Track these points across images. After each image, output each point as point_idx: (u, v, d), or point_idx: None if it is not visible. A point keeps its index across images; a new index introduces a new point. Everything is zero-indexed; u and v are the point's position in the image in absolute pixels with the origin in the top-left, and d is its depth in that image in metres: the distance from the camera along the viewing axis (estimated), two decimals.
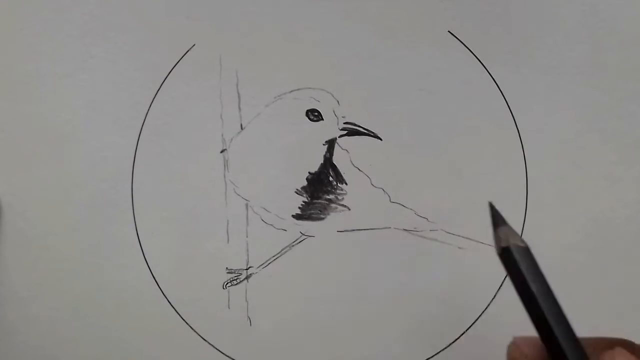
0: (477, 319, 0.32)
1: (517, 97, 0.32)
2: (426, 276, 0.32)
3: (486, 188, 0.32)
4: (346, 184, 0.32)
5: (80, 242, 0.32)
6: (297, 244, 0.32)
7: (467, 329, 0.32)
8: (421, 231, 0.32)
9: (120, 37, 0.31)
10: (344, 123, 0.32)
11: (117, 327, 0.32)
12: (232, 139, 0.32)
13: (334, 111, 0.32)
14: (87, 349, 0.32)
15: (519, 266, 0.21)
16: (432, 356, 0.32)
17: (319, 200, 0.32)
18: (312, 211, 0.32)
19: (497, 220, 0.22)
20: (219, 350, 0.32)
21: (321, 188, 0.32)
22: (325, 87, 0.32)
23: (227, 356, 0.32)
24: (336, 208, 0.32)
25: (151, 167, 0.32)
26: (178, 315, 0.32)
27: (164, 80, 0.32)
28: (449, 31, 0.32)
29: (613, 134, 0.32)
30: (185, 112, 0.32)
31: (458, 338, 0.32)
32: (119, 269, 0.31)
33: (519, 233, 0.32)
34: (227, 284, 0.32)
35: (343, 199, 0.32)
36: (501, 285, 0.31)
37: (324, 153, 0.32)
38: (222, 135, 0.32)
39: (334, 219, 0.32)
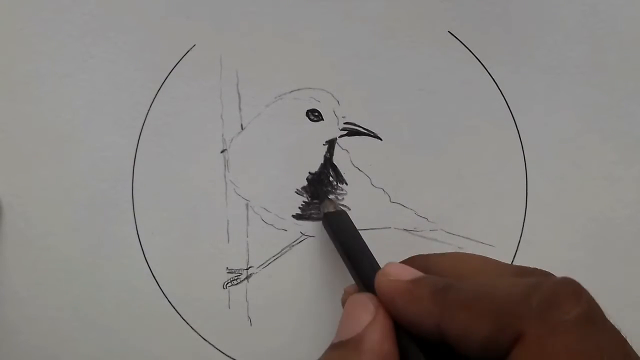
0: None
1: (517, 97, 0.32)
2: None
3: (486, 188, 0.32)
4: (346, 184, 0.32)
5: (81, 242, 0.32)
6: (297, 244, 0.32)
7: None
8: (421, 231, 0.32)
9: (120, 37, 0.31)
10: (344, 123, 0.32)
11: (117, 327, 0.32)
12: (232, 139, 0.32)
13: (334, 111, 0.32)
14: (87, 348, 0.32)
15: (331, 222, 0.29)
16: None
17: (319, 201, 0.32)
18: (313, 211, 0.32)
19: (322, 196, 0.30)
20: (219, 350, 0.32)
21: (321, 188, 0.32)
22: (325, 87, 0.32)
23: (227, 356, 0.32)
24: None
25: (151, 167, 0.32)
26: (178, 315, 0.32)
27: (165, 81, 0.32)
28: (449, 31, 0.32)
29: (613, 134, 0.32)
30: (186, 112, 0.32)
31: None
32: (119, 269, 0.31)
33: (518, 232, 0.32)
34: (227, 284, 0.32)
35: (343, 199, 0.32)
36: None
37: (324, 153, 0.32)
38: (223, 136, 0.32)
39: None
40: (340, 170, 0.32)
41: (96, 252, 0.31)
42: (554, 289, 0.18)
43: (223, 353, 0.32)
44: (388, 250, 0.31)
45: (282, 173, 0.32)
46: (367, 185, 0.32)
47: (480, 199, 0.32)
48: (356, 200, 0.32)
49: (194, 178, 0.32)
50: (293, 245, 0.32)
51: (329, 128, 0.32)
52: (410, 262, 0.24)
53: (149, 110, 0.32)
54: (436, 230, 0.32)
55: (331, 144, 0.32)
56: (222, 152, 0.32)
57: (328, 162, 0.32)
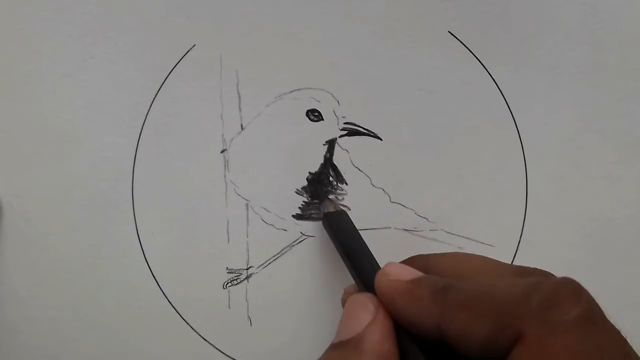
0: None
1: (517, 97, 0.32)
2: None
3: (486, 188, 0.32)
4: (346, 184, 0.32)
5: (81, 242, 0.31)
6: (297, 244, 0.32)
7: None
8: (421, 231, 0.32)
9: (120, 37, 0.31)
10: (344, 123, 0.32)
11: (117, 327, 0.32)
12: (232, 139, 0.32)
13: (334, 111, 0.32)
14: (87, 348, 0.32)
15: (331, 222, 0.29)
16: None
17: (319, 201, 0.32)
18: (313, 211, 0.32)
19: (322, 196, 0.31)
20: (219, 350, 0.32)
21: (321, 188, 0.32)
22: (325, 87, 0.32)
23: (228, 356, 0.32)
24: None
25: (151, 167, 0.32)
26: (178, 315, 0.32)
27: (165, 81, 0.32)
28: (449, 31, 0.32)
29: (613, 134, 0.32)
30: (186, 112, 0.32)
31: None
32: (119, 269, 0.31)
33: (518, 232, 0.32)
34: (227, 283, 0.32)
35: (343, 199, 0.32)
36: None
37: (324, 153, 0.32)
38: (223, 136, 0.32)
39: None
40: (340, 170, 0.32)
41: (96, 252, 0.31)
42: (554, 289, 0.18)
43: (223, 353, 0.32)
44: (388, 250, 0.31)
45: (282, 173, 0.32)
46: (367, 185, 0.32)
47: (480, 199, 0.32)
48: (356, 200, 0.32)
49: (194, 178, 0.32)
50: (293, 245, 0.32)
51: (329, 128, 0.32)
52: (410, 262, 0.24)
53: (149, 110, 0.32)
54: (436, 230, 0.32)
55: (331, 144, 0.32)
56: (222, 152, 0.32)
57: (328, 162, 0.32)
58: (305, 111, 0.32)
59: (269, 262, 0.32)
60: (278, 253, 0.32)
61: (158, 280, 0.32)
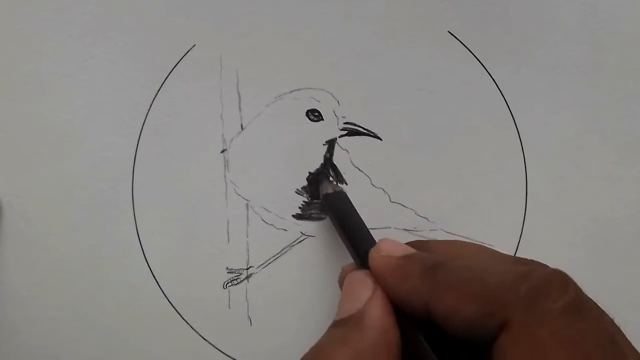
0: None
1: (517, 97, 0.32)
2: None
3: (486, 188, 0.32)
4: (346, 184, 0.32)
5: (81, 242, 0.31)
6: (298, 244, 0.32)
7: None
8: (421, 231, 0.32)
9: (120, 37, 0.31)
10: (344, 123, 0.32)
11: (117, 327, 0.32)
12: (232, 139, 0.32)
13: (334, 111, 0.32)
14: (87, 348, 0.32)
15: (330, 202, 0.29)
16: None
17: (319, 200, 0.32)
18: (313, 211, 0.32)
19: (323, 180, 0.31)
20: (219, 350, 0.32)
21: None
22: (325, 87, 0.32)
23: (228, 356, 0.32)
24: None
25: (151, 167, 0.32)
26: (178, 315, 0.32)
27: (165, 81, 0.32)
28: (449, 31, 0.32)
29: (613, 134, 0.32)
30: (186, 112, 0.32)
31: None
32: (119, 268, 0.31)
33: (518, 232, 0.32)
34: (227, 283, 0.32)
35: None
36: None
37: (324, 153, 0.32)
38: (223, 136, 0.32)
39: None
40: (340, 170, 0.32)
41: (96, 252, 0.31)
42: (543, 279, 0.18)
43: (223, 353, 0.32)
44: None
45: (282, 173, 0.32)
46: (367, 185, 0.32)
47: (480, 199, 0.32)
48: (356, 200, 0.32)
49: (194, 178, 0.32)
50: (293, 245, 0.32)
51: (329, 128, 0.32)
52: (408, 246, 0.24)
53: (149, 110, 0.32)
54: (436, 230, 0.32)
55: (331, 144, 0.32)
56: (222, 152, 0.32)
57: (328, 162, 0.32)
58: (305, 111, 0.32)
59: (269, 262, 0.32)
60: (278, 253, 0.32)
61: (158, 280, 0.32)
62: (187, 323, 0.32)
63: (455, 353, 0.19)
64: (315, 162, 0.32)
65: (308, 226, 0.32)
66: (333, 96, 0.32)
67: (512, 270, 0.19)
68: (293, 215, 0.32)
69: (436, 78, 0.32)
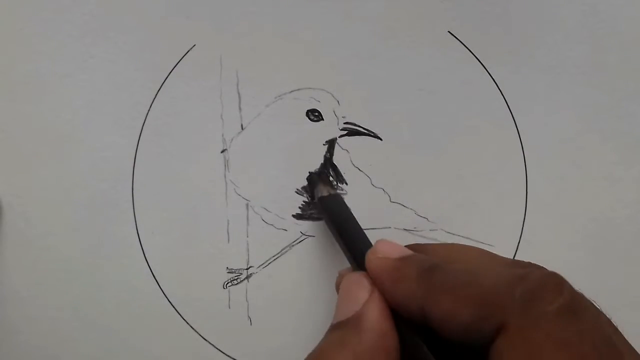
0: None
1: (517, 97, 0.32)
2: None
3: (486, 188, 0.32)
4: (346, 184, 0.32)
5: (80, 242, 0.32)
6: (298, 243, 0.32)
7: None
8: (421, 231, 0.32)
9: (120, 37, 0.31)
10: (344, 123, 0.32)
11: (117, 327, 0.32)
12: (232, 139, 0.32)
13: (334, 111, 0.32)
14: (87, 348, 0.32)
15: (326, 205, 0.29)
16: None
17: None
18: (313, 211, 0.32)
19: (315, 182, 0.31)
20: (219, 350, 0.32)
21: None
22: (325, 87, 0.32)
23: (228, 356, 0.32)
24: None
25: (151, 167, 0.32)
26: (178, 315, 0.32)
27: (165, 81, 0.32)
28: (449, 31, 0.32)
29: (613, 134, 0.32)
30: (186, 112, 0.32)
31: None
32: (119, 269, 0.32)
33: (518, 232, 0.32)
34: (227, 283, 0.32)
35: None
36: None
37: (324, 153, 0.32)
38: (223, 136, 0.32)
39: None
40: (340, 170, 0.32)
41: (96, 252, 0.31)
42: (538, 281, 0.18)
43: (223, 353, 0.32)
44: None
45: (282, 173, 0.32)
46: (367, 185, 0.32)
47: (480, 199, 0.32)
48: (356, 200, 0.32)
49: (194, 178, 0.32)
50: (293, 245, 0.32)
51: (329, 128, 0.32)
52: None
53: (149, 110, 0.32)
54: (436, 230, 0.32)
55: (331, 144, 0.32)
56: (222, 152, 0.32)
57: (328, 162, 0.32)
58: (305, 111, 0.32)
59: (269, 262, 0.32)
60: (278, 253, 0.32)
61: (158, 280, 0.32)
62: (187, 323, 0.32)
63: (452, 356, 0.19)
64: (315, 162, 0.32)
65: (308, 226, 0.32)
66: (333, 96, 0.32)
67: (508, 273, 0.19)
68: (293, 215, 0.32)
69: (436, 78, 0.32)
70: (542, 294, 0.17)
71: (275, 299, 0.32)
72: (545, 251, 0.32)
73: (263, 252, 0.32)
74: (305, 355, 0.20)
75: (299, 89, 0.32)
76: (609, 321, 0.18)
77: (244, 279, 0.32)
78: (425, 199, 0.32)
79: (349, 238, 0.26)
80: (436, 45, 0.32)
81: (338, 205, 0.29)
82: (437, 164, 0.32)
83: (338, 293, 0.23)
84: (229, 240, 0.32)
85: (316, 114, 0.32)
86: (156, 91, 0.32)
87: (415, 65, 0.32)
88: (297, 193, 0.32)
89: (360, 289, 0.21)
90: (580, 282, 0.18)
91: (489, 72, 0.32)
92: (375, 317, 0.20)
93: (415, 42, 0.32)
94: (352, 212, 0.31)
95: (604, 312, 0.18)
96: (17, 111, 0.31)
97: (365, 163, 0.32)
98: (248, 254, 0.32)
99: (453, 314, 0.18)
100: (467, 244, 0.32)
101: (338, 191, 0.31)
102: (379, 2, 0.32)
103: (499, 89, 0.32)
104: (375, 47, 0.32)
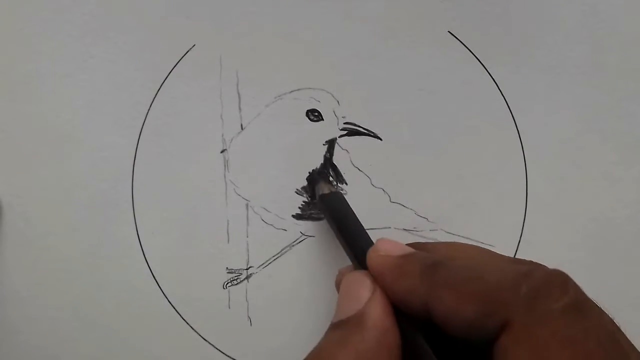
0: None
1: (517, 97, 0.32)
2: None
3: (486, 188, 0.32)
4: (346, 184, 0.32)
5: (80, 242, 0.32)
6: (297, 244, 0.32)
7: None
8: (421, 231, 0.32)
9: (120, 37, 0.31)
10: (344, 123, 0.32)
11: (117, 327, 0.32)
12: (232, 139, 0.32)
13: (334, 111, 0.32)
14: (87, 348, 0.32)
15: (326, 203, 0.29)
16: None
17: None
18: (312, 211, 0.32)
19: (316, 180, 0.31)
20: (219, 350, 0.32)
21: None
22: (325, 87, 0.32)
23: (227, 356, 0.32)
24: None
25: (151, 167, 0.32)
26: (178, 315, 0.32)
27: (164, 81, 0.32)
28: (449, 31, 0.32)
29: (613, 134, 0.32)
30: (186, 112, 0.32)
31: None
32: (119, 269, 0.32)
33: (518, 232, 0.32)
34: (227, 283, 0.32)
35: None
36: None
37: (324, 153, 0.32)
38: (223, 136, 0.32)
39: None
40: (340, 170, 0.32)
41: (96, 252, 0.31)
42: (543, 279, 0.18)
43: (223, 353, 0.32)
44: None
45: (282, 173, 0.32)
46: (367, 185, 0.32)
47: (480, 199, 0.32)
48: (356, 200, 0.32)
49: (194, 178, 0.32)
50: (293, 245, 0.32)
51: (329, 128, 0.32)
52: None
53: (149, 110, 0.32)
54: (436, 230, 0.32)
55: (331, 144, 0.32)
56: (222, 152, 0.32)
57: (328, 162, 0.32)
58: (305, 111, 0.32)
59: (269, 262, 0.32)
60: (278, 253, 0.32)
61: (158, 280, 0.32)
62: (187, 323, 0.32)
63: (455, 353, 0.19)
64: (315, 162, 0.32)
65: (308, 226, 0.32)
66: (333, 96, 0.32)
67: (512, 270, 0.19)
68: (293, 215, 0.32)
69: (436, 78, 0.32)
70: (548, 291, 0.17)
71: (275, 299, 0.32)
72: (545, 251, 0.32)
73: (263, 252, 0.32)
74: (305, 355, 0.20)
75: (298, 89, 0.32)
76: (612, 320, 0.18)
77: (243, 279, 0.32)
78: (425, 199, 0.32)
79: (350, 236, 0.26)
80: (436, 45, 0.32)
81: (339, 203, 0.29)
82: (437, 164, 0.32)
83: (338, 291, 0.23)
84: (228, 241, 0.32)
85: (316, 114, 0.32)
86: (156, 91, 0.32)
87: (415, 65, 0.32)
88: (297, 193, 0.32)
89: (362, 288, 0.21)
90: (580, 282, 0.18)
91: (489, 72, 0.32)
92: (378, 315, 0.20)
93: (415, 42, 0.32)
94: None
95: (605, 311, 0.18)
96: (17, 111, 0.31)
97: (365, 163, 0.32)
98: (248, 254, 0.32)
99: (457, 310, 0.18)
100: None
101: (338, 189, 0.31)
102: (379, 2, 0.32)
103: (499, 89, 0.32)
104: (375, 47, 0.32)
